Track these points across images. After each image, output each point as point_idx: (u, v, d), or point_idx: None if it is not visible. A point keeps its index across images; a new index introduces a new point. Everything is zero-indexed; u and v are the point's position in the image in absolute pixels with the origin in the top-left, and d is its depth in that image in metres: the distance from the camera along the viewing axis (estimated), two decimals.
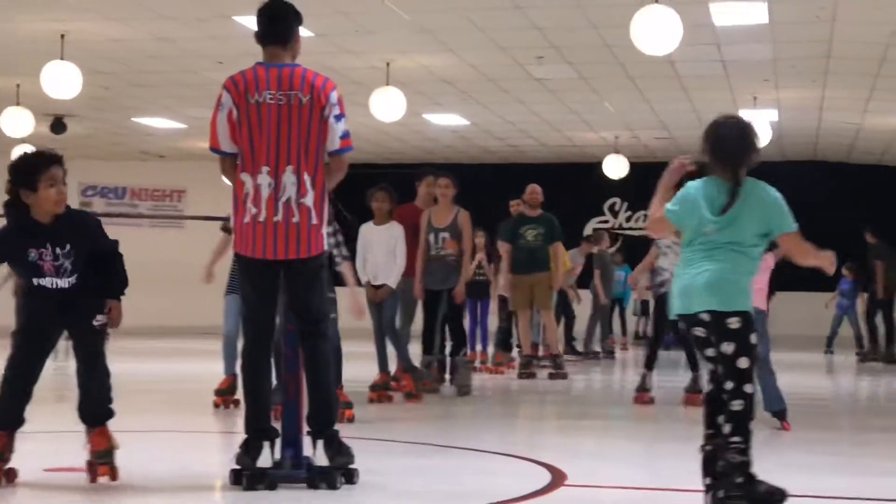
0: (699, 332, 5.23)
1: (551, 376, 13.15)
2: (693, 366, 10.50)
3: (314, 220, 5.82)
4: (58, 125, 20.73)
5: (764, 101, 18.10)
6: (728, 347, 5.10)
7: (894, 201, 22.83)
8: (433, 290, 11.01)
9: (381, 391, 10.29)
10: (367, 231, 10.47)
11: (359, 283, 9.76)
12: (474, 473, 6.58)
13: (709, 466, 5.21)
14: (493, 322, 15.00)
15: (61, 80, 14.49)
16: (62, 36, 14.29)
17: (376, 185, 10.66)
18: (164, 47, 15.16)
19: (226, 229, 9.53)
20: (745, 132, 5.29)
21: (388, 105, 16.06)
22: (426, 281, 11.00)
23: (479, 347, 14.63)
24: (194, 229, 24.76)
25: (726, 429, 5.09)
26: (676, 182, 5.47)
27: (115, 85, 17.71)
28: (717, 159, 5.22)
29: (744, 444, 5.06)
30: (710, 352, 5.22)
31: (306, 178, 5.80)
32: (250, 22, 13.38)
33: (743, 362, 5.10)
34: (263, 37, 6.00)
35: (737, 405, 5.07)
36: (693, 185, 5.30)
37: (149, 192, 27.01)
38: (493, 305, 14.91)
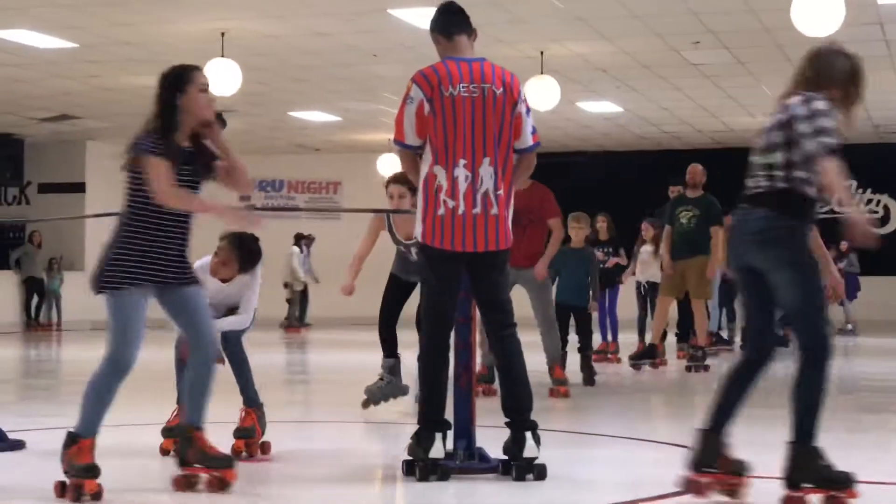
0: None
1: (688, 369, 12.53)
2: None
3: (506, 213, 5.86)
4: (219, 121, 21.15)
5: None
6: None
7: None
8: (410, 281, 8.39)
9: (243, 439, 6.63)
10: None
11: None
12: (655, 464, 6.53)
13: None
14: (628, 310, 14.58)
15: (222, 77, 14.78)
16: (222, 34, 14.60)
17: None
18: (319, 42, 15.37)
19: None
20: None
21: (542, 93, 16.04)
22: (398, 270, 8.56)
23: (609, 337, 14.27)
24: (350, 221, 25.04)
25: None
26: None
27: (272, 80, 18.03)
28: None
29: None
30: None
31: (500, 171, 5.82)
32: (404, 15, 13.75)
33: None
34: (452, 27, 5.97)
35: None
36: None
37: (305, 184, 27.41)
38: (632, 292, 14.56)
